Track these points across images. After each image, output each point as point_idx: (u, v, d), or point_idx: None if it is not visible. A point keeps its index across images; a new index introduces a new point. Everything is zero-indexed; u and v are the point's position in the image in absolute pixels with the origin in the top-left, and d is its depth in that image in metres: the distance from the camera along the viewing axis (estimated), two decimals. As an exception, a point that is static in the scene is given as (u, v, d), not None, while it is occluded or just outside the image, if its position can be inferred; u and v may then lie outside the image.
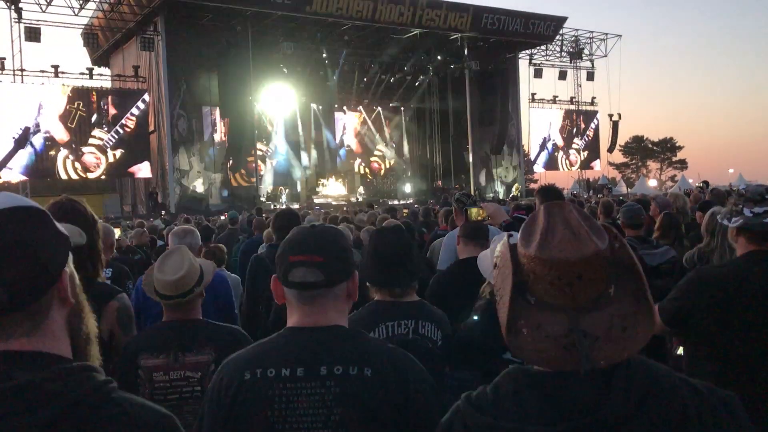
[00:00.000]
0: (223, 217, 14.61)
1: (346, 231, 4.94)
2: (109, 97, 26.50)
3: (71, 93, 25.35)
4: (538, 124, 37.71)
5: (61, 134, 25.09)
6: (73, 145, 25.27)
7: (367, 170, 37.73)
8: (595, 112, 40.06)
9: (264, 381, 1.70)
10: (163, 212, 23.88)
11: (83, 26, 27.34)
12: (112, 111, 26.18)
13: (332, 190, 33.81)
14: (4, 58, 24.15)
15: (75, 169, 25.39)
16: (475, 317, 2.85)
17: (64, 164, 25.11)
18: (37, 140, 24.48)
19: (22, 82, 24.64)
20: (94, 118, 25.85)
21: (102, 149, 25.92)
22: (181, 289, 2.78)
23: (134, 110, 26.52)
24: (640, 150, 70.48)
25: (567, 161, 39.05)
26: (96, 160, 25.84)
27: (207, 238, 7.20)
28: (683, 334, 2.96)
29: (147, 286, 2.89)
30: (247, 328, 4.27)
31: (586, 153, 39.68)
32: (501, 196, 32.48)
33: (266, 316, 4.72)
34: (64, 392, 1.07)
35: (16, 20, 24.11)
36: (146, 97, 26.71)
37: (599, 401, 1.16)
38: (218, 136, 28.73)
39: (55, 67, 25.21)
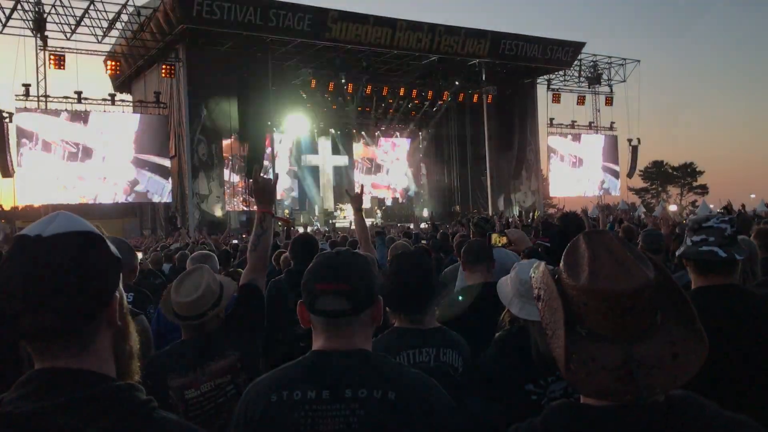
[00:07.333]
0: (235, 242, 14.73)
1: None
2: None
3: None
4: (557, 149, 37.63)
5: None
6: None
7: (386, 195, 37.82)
8: (614, 137, 39.91)
9: (290, 403, 1.71)
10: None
11: (106, 53, 27.78)
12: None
13: (350, 213, 33.82)
14: (29, 85, 24.58)
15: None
16: (496, 347, 2.77)
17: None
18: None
19: (46, 108, 25.08)
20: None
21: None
22: (197, 311, 2.74)
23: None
24: (660, 175, 69.80)
25: (586, 186, 38.85)
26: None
27: (226, 263, 7.23)
28: None
29: (164, 307, 2.87)
30: (265, 352, 4.25)
31: (605, 178, 39.47)
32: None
33: (285, 341, 4.69)
34: (108, 411, 1.09)
35: (41, 48, 24.61)
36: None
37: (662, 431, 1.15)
38: (238, 161, 28.90)
39: (78, 93, 25.63)
